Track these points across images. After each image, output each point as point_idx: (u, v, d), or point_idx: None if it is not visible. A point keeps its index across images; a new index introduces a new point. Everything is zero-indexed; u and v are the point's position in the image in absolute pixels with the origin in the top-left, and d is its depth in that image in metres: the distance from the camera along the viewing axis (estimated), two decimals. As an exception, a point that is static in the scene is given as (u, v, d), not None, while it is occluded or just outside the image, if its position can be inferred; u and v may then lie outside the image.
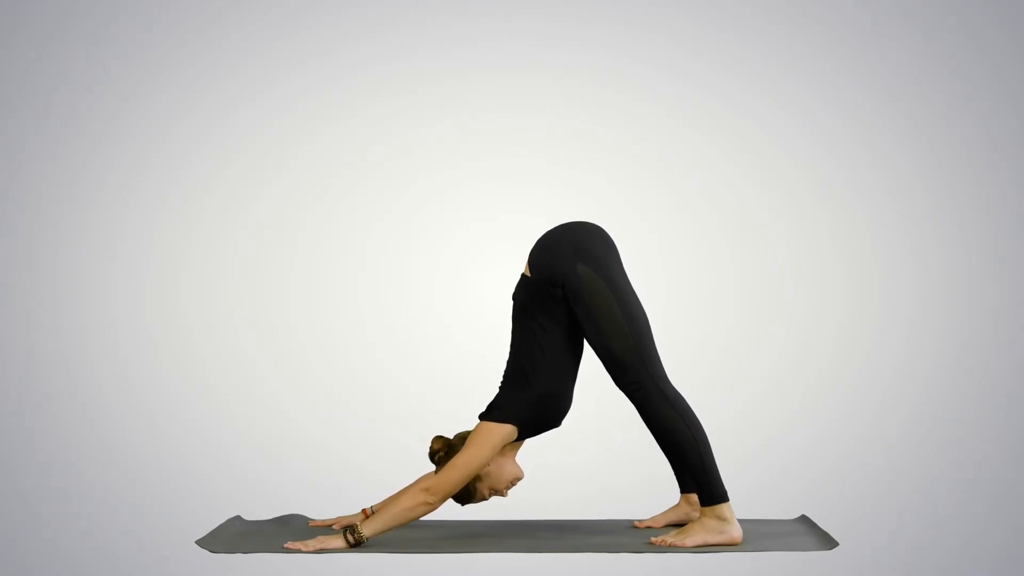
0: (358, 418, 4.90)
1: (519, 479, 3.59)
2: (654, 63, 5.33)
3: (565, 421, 3.62)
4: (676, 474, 3.70)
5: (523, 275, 3.57)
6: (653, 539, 3.45)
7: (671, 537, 3.42)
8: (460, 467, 3.43)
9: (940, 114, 5.25)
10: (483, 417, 3.52)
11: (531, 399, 3.51)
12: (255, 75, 5.31)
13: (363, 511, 3.74)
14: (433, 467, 3.60)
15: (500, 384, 3.59)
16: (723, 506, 3.42)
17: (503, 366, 3.61)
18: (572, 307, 3.49)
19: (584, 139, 5.35)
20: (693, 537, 3.41)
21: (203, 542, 3.46)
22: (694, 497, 3.66)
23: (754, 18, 5.31)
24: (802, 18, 5.29)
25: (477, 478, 3.52)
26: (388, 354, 5.19)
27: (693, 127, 5.34)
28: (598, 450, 4.56)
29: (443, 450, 3.57)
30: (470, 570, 3.26)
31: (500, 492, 3.58)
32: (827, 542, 3.43)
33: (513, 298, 3.59)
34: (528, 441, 3.63)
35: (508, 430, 3.48)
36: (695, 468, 3.43)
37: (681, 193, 5.34)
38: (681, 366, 5.11)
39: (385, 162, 5.35)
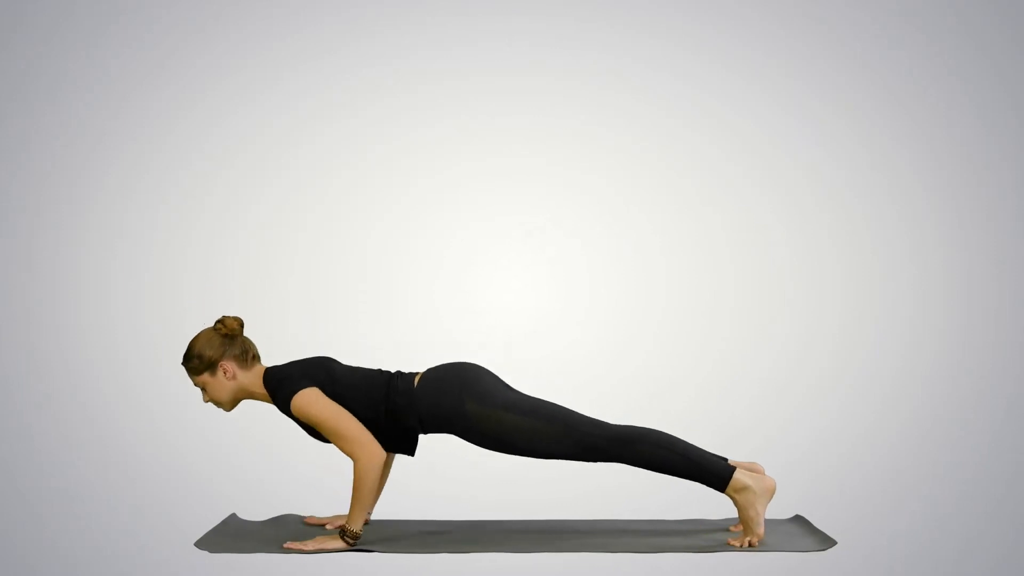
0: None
1: (223, 409, 3.63)
2: (654, 63, 5.33)
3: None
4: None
5: (412, 380, 3.57)
6: (732, 540, 3.44)
7: (744, 538, 3.42)
8: (345, 431, 3.43)
9: (940, 114, 5.25)
10: (289, 399, 3.49)
11: (307, 367, 3.56)
12: (255, 75, 5.31)
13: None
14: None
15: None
16: (736, 478, 3.42)
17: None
18: (473, 442, 3.53)
19: (584, 139, 5.34)
20: (753, 523, 3.40)
21: (202, 543, 3.46)
22: (742, 463, 3.62)
23: (754, 18, 5.31)
24: (802, 18, 5.29)
25: (204, 389, 3.57)
26: (387, 354, 5.18)
27: (693, 127, 5.34)
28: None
29: (229, 333, 3.56)
30: (470, 570, 3.26)
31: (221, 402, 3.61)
32: (825, 541, 3.43)
33: (396, 374, 3.60)
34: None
35: (312, 390, 3.48)
36: (688, 472, 3.45)
37: (681, 193, 5.34)
38: (682, 366, 5.14)
39: (385, 162, 5.35)
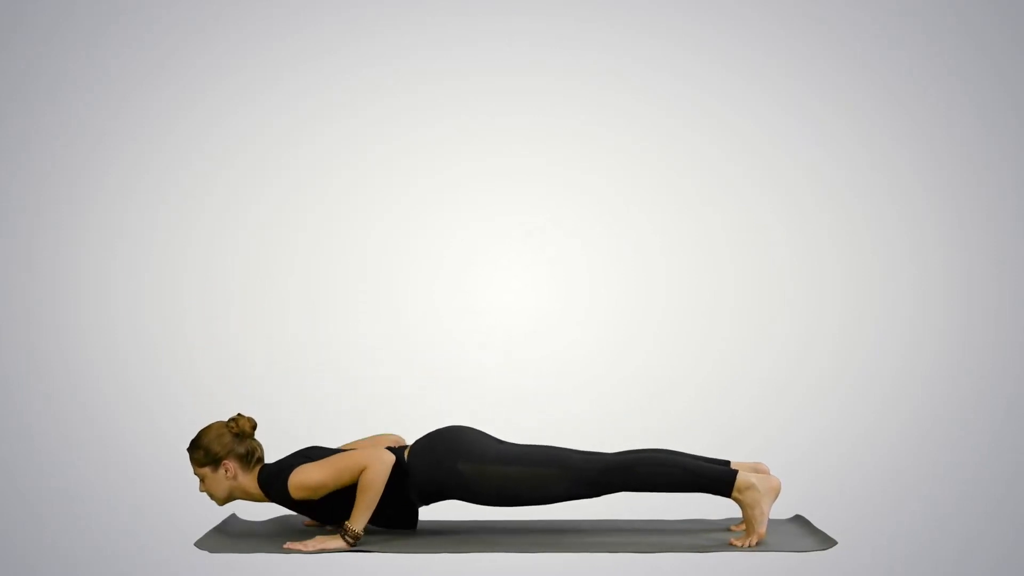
0: (357, 418, 4.91)
1: (216, 502, 3.60)
2: (654, 63, 5.33)
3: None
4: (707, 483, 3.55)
5: (402, 455, 3.56)
6: (734, 540, 3.43)
7: (747, 537, 3.40)
8: (347, 463, 3.44)
9: (940, 114, 5.25)
10: (286, 484, 3.49)
11: (292, 458, 3.59)
12: (255, 75, 5.31)
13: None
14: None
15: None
16: (739, 478, 3.41)
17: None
18: (475, 502, 3.52)
19: (584, 139, 5.35)
20: (757, 522, 3.38)
21: (202, 543, 3.46)
22: (745, 464, 3.61)
23: (754, 18, 5.31)
24: (802, 18, 5.29)
25: (203, 480, 3.55)
26: (387, 355, 5.19)
27: (693, 127, 5.34)
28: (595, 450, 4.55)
29: (240, 432, 3.55)
30: (470, 570, 3.26)
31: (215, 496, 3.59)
32: (825, 541, 3.43)
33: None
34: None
35: (302, 465, 3.50)
36: (692, 485, 3.44)
37: (681, 193, 5.35)
38: (682, 366, 5.14)
39: (385, 162, 5.35)
